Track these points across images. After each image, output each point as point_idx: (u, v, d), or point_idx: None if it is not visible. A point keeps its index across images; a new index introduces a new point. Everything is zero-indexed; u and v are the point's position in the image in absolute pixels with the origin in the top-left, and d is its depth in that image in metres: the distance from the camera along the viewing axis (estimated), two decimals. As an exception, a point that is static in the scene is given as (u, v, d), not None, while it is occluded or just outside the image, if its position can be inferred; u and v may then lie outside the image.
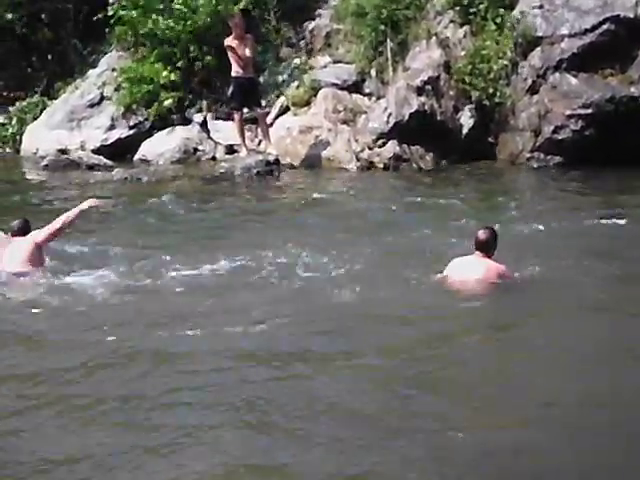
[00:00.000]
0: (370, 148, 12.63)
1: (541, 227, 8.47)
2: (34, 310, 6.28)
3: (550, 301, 6.34)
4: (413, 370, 5.14)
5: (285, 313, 6.13)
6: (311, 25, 14.66)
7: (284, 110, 13.76)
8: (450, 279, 6.68)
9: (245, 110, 13.12)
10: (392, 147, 12.43)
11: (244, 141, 13.07)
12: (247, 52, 12.67)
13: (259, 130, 13.44)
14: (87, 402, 4.72)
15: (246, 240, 8.24)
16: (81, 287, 6.74)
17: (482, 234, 6.71)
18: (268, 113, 13.48)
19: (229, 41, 12.75)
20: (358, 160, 12.51)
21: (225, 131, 14.03)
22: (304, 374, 5.09)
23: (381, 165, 12.36)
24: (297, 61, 14.32)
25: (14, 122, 15.79)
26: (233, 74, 12.83)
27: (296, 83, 13.95)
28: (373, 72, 13.53)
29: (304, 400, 4.67)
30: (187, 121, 14.34)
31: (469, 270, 6.62)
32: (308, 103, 13.64)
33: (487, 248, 6.69)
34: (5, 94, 16.63)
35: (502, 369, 5.22)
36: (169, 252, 7.69)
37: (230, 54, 12.73)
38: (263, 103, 13.37)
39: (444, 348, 5.55)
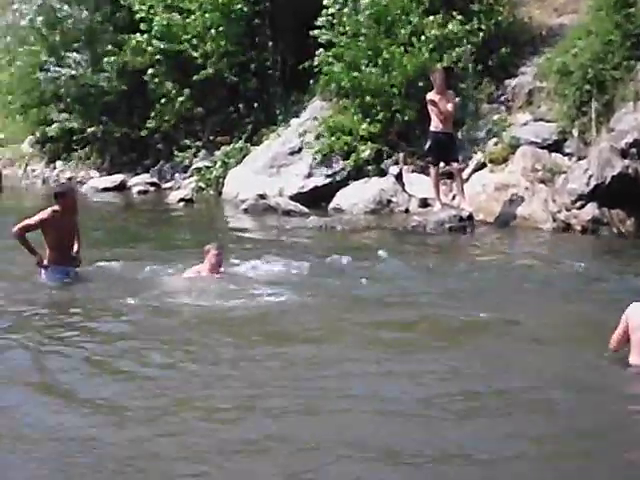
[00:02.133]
0: (568, 209, 12.28)
1: None
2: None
3: None
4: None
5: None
6: (513, 82, 14.55)
7: (481, 166, 13.67)
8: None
9: (441, 165, 13.13)
10: (591, 209, 12.04)
11: (439, 195, 13.06)
12: (448, 107, 12.71)
13: (454, 185, 13.41)
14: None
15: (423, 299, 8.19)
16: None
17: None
18: (464, 168, 13.43)
19: (431, 95, 12.82)
20: (554, 221, 12.21)
21: (420, 184, 14.10)
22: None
23: (579, 227, 11.99)
24: (496, 118, 14.22)
25: (218, 166, 16.54)
26: (432, 128, 12.87)
27: (494, 140, 13.84)
28: (575, 132, 13.21)
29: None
30: (383, 172, 14.51)
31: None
32: (505, 160, 13.48)
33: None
34: (212, 139, 17.46)
35: None
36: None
37: (431, 108, 12.80)
38: (460, 158, 13.33)
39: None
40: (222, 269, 8.78)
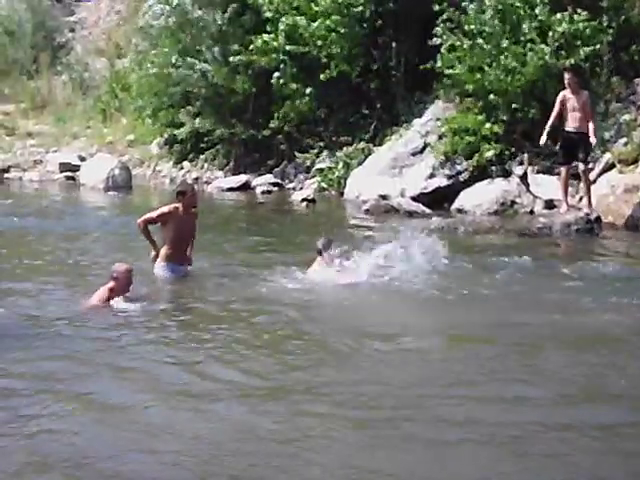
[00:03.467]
0: (701, 212, 11.88)
1: None
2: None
3: None
4: None
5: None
6: (643, 80, 14.14)
7: (609, 167, 13.32)
8: None
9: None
10: None
11: (566, 197, 12.78)
12: (577, 106, 12.35)
13: (580, 186, 13.10)
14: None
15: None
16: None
17: None
18: (591, 170, 13.06)
19: (562, 94, 12.54)
20: (688, 224, 11.81)
21: (545, 185, 13.85)
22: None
23: None
24: (626, 117, 13.82)
25: (340, 166, 16.64)
26: (565, 128, 12.56)
27: (624, 140, 13.47)
28: None
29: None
30: (507, 173, 14.33)
31: None
32: (636, 161, 13.10)
33: None
34: (334, 139, 17.57)
35: None
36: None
37: (561, 107, 12.50)
38: (588, 160, 13.00)
39: None
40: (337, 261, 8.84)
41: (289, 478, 4.56)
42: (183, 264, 8.92)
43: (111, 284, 7.80)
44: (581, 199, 13.08)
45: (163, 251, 8.82)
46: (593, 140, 12.28)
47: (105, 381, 5.92)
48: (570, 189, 13.23)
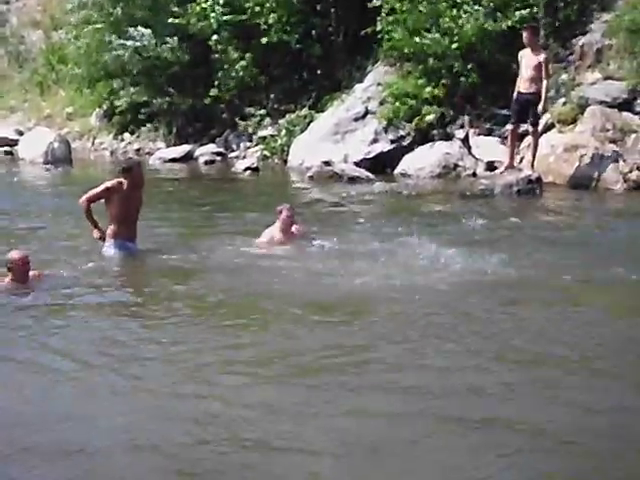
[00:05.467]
0: (639, 169, 12.08)
1: None
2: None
3: None
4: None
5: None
6: (581, 41, 14.27)
7: (549, 127, 13.46)
8: None
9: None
10: (664, 168, 11.83)
11: (511, 157, 12.80)
12: (528, 68, 12.26)
13: (522, 147, 13.22)
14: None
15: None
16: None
17: None
18: (540, 133, 12.97)
19: (520, 54, 12.35)
20: (625, 181, 12.01)
21: (486, 147, 13.97)
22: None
23: (650, 187, 11.79)
24: (565, 77, 13.97)
25: (283, 134, 16.57)
26: (517, 88, 12.50)
27: (563, 100, 13.62)
28: (646, 90, 12.95)
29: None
30: (448, 137, 14.42)
31: None
32: (574, 121, 13.26)
33: None
34: (277, 107, 17.49)
35: None
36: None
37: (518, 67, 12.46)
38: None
39: None
40: (295, 227, 8.88)
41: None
42: (132, 240, 8.64)
43: (9, 277, 7.34)
44: (522, 160, 13.20)
45: (110, 229, 8.54)
46: (540, 107, 12.17)
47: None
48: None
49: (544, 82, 12.12)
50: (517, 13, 14.01)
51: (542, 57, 12.18)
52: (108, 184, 8.55)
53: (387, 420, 4.73)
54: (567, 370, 5.39)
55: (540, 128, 13.36)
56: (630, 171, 12.09)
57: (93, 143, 20.44)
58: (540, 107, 12.19)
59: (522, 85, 12.33)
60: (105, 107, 20.16)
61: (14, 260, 7.35)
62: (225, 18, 16.97)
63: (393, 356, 5.68)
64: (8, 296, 7.19)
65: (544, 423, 4.63)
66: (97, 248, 8.57)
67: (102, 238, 8.56)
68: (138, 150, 18.91)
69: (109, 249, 8.54)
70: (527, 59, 12.22)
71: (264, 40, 16.70)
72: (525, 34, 12.35)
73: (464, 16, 14.25)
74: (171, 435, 4.60)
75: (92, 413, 4.90)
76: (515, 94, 12.48)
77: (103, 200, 8.58)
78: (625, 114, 12.94)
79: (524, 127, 12.78)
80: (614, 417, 4.72)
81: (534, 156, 12.58)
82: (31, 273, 7.46)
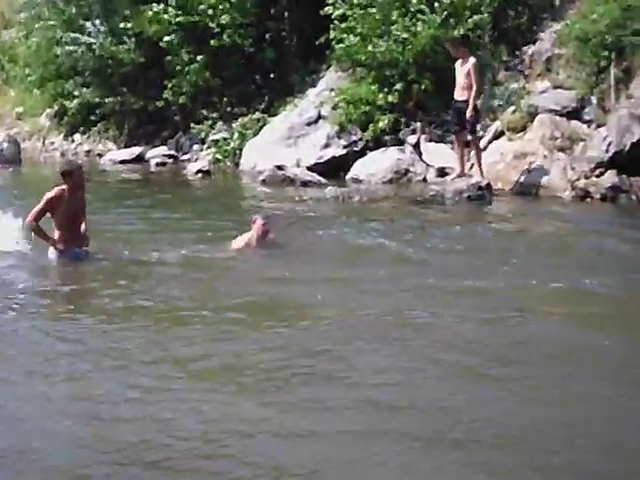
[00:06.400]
0: (587, 177, 12.25)
1: None
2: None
3: None
4: None
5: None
6: (531, 49, 14.44)
7: (499, 135, 13.62)
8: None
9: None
10: (611, 177, 11.99)
11: (462, 164, 12.96)
12: (460, 77, 12.55)
13: (472, 154, 13.36)
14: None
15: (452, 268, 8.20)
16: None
17: None
18: (480, 138, 13.28)
19: (456, 64, 12.68)
20: (573, 189, 12.16)
21: (437, 153, 14.07)
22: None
23: (598, 195, 11.93)
24: (514, 85, 14.13)
25: (236, 137, 16.54)
26: (454, 97, 12.74)
27: (512, 108, 13.77)
28: (594, 99, 13.15)
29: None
30: (400, 142, 14.49)
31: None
32: (524, 128, 13.42)
33: None
34: (229, 110, 17.45)
35: None
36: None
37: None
38: (477, 128, 13.23)
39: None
40: (272, 235, 8.90)
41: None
42: (79, 245, 8.48)
43: None
44: (472, 167, 13.33)
45: (57, 237, 8.37)
46: (468, 113, 12.39)
47: None
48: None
49: (473, 87, 12.38)
50: (470, 20, 14.14)
51: (470, 64, 12.47)
52: (49, 195, 8.33)
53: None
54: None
55: (489, 136, 13.56)
56: (578, 179, 12.24)
57: (43, 143, 20.23)
58: (468, 113, 12.41)
59: (456, 94, 12.64)
60: (56, 107, 19.94)
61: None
62: (177, 20, 16.89)
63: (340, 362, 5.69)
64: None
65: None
66: (44, 254, 8.44)
67: (55, 247, 8.37)
68: (89, 151, 18.77)
69: (53, 255, 8.38)
70: (458, 69, 12.58)
71: (216, 43, 16.64)
72: (448, 47, 12.84)
73: (418, 24, 14.34)
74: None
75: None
76: (452, 103, 12.77)
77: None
78: (574, 122, 13.11)
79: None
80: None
81: (479, 162, 12.74)
82: None
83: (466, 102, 12.47)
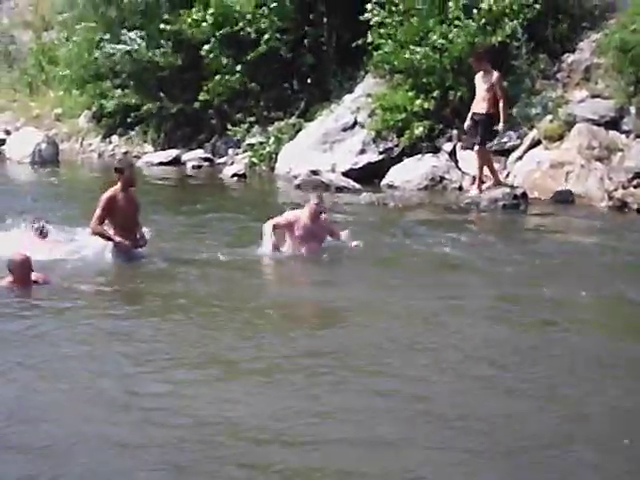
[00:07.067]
0: (624, 187, 12.18)
1: None
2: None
3: None
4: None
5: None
6: (570, 58, 14.36)
7: (535, 143, 13.57)
8: None
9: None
10: (648, 188, 11.93)
11: (494, 173, 12.96)
12: (481, 90, 12.64)
13: (507, 162, 13.34)
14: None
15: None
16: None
17: None
18: (485, 153, 12.97)
19: (475, 78, 12.84)
20: (610, 199, 12.10)
21: (472, 161, 14.00)
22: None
23: (635, 206, 11.86)
24: (552, 94, 14.07)
25: (272, 141, 16.58)
26: (472, 110, 12.87)
27: (550, 116, 13.71)
28: (633, 109, 13.07)
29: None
30: (436, 149, 14.48)
31: None
32: (561, 137, 13.36)
33: None
34: (266, 114, 17.51)
35: None
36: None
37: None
38: (513, 135, 13.22)
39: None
40: (324, 216, 9.14)
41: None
42: (135, 247, 8.60)
43: (9, 278, 7.40)
44: (507, 175, 13.31)
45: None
46: (501, 126, 12.55)
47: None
48: (498, 165, 13.52)
49: (500, 102, 12.48)
50: (507, 27, 14.09)
51: (494, 78, 12.58)
52: (104, 197, 8.51)
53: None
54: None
55: (526, 144, 13.51)
56: (615, 189, 12.18)
57: (81, 145, 20.40)
58: (500, 126, 12.57)
59: (475, 106, 12.73)
60: (94, 109, 20.12)
61: (15, 262, 7.38)
62: (217, 32, 17.03)
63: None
64: (7, 297, 7.19)
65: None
66: (99, 254, 8.54)
67: (121, 244, 8.46)
68: (126, 153, 18.89)
69: (112, 255, 8.50)
70: (479, 82, 12.69)
71: (256, 51, 16.76)
72: (472, 63, 12.99)
73: (454, 30, 14.33)
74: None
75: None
76: (470, 115, 12.83)
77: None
78: (612, 132, 13.04)
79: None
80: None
81: (480, 176, 12.78)
82: (33, 276, 7.47)
83: (484, 115, 12.58)
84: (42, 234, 8.97)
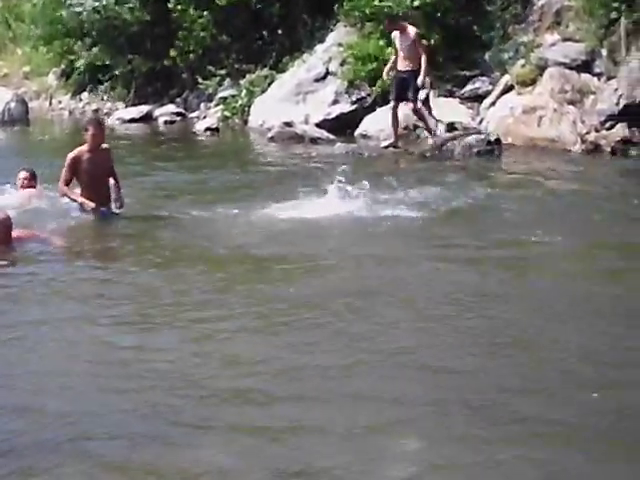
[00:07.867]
0: (597, 130, 12.22)
1: None
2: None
3: None
4: None
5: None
6: (541, 1, 14.28)
7: (508, 89, 13.54)
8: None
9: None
10: (621, 130, 11.97)
11: (396, 134, 12.98)
12: (405, 47, 12.61)
13: (480, 108, 13.34)
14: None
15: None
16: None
17: None
18: (419, 109, 13.00)
19: (393, 36, 12.88)
20: (583, 142, 12.14)
21: (447, 108, 13.98)
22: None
23: (608, 148, 11.92)
24: (524, 39, 14.01)
25: (244, 94, 16.45)
26: (396, 67, 12.87)
27: (522, 61, 13.66)
28: (604, 51, 13.04)
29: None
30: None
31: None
32: (533, 82, 13.33)
33: None
34: (237, 67, 17.33)
35: None
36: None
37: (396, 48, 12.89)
38: (486, 81, 13.20)
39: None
40: None
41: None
42: (105, 204, 8.38)
43: None
44: (481, 121, 13.30)
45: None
46: (420, 81, 12.52)
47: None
48: (471, 112, 13.52)
49: (423, 57, 12.50)
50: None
51: (412, 34, 12.61)
52: (69, 157, 8.33)
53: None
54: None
55: (499, 90, 13.50)
56: (587, 132, 12.21)
57: (51, 103, 20.15)
58: (420, 80, 12.53)
59: (399, 64, 12.71)
60: (63, 66, 19.85)
61: None
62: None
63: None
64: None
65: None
66: (67, 210, 8.43)
67: (85, 205, 8.30)
68: (96, 110, 18.67)
69: (77, 212, 8.36)
70: (399, 40, 12.68)
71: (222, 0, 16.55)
72: (385, 26, 13.22)
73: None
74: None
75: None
76: (394, 74, 12.83)
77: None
78: (584, 76, 13.03)
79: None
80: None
81: (427, 127, 12.84)
82: (14, 234, 7.32)
83: (410, 72, 12.56)
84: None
